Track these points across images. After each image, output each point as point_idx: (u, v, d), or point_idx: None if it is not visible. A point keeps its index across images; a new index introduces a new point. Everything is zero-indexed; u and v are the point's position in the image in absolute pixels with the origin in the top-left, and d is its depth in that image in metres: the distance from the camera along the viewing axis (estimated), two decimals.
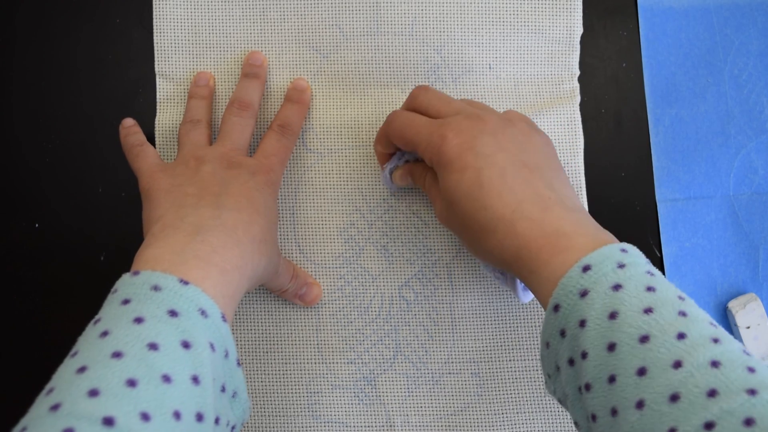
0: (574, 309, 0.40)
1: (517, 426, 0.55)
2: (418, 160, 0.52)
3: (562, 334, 0.41)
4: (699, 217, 0.58)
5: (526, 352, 0.56)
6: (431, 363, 0.56)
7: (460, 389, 0.56)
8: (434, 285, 0.56)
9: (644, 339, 0.37)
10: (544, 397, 0.56)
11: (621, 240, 0.44)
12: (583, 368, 0.39)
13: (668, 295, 0.39)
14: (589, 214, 0.46)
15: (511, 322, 0.56)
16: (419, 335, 0.56)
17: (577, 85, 0.57)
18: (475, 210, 0.45)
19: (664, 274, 0.57)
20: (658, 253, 0.58)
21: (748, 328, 0.56)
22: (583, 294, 0.40)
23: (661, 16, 0.59)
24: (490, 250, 0.45)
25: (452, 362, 0.56)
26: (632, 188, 0.58)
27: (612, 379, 0.37)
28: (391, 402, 0.56)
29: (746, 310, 0.56)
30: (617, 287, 0.39)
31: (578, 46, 0.57)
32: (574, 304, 0.40)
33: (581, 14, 0.57)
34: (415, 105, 0.50)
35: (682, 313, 0.38)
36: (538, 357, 0.56)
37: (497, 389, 0.56)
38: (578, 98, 0.57)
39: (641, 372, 0.36)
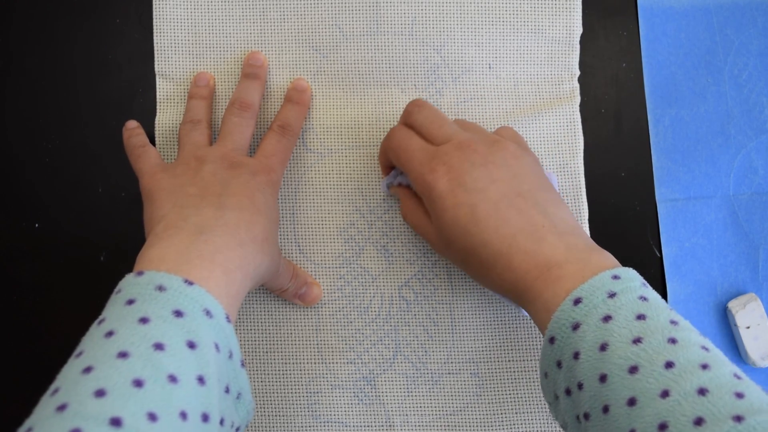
0: (568, 342, 0.41)
1: (517, 426, 0.55)
2: (411, 185, 0.52)
3: (559, 365, 0.42)
4: (699, 217, 0.58)
5: (526, 352, 0.56)
6: (431, 363, 0.56)
7: (459, 389, 0.56)
8: (434, 285, 0.56)
9: (633, 369, 0.37)
10: (543, 397, 0.56)
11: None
12: (580, 398, 0.40)
13: (659, 322, 0.39)
14: (583, 233, 0.46)
15: (511, 322, 0.56)
16: (419, 335, 0.56)
17: (577, 85, 0.57)
18: (473, 246, 0.46)
19: (663, 274, 0.57)
20: (658, 253, 0.58)
21: (748, 328, 0.56)
22: (575, 327, 0.41)
23: (661, 16, 0.59)
24: (491, 282, 0.46)
25: (452, 362, 0.56)
26: (632, 188, 0.58)
27: (606, 410, 0.38)
28: (390, 402, 0.56)
29: (746, 310, 0.56)
30: (607, 318, 0.40)
31: (578, 46, 0.57)
32: (568, 337, 0.41)
33: (581, 14, 0.57)
34: (409, 122, 0.50)
35: (672, 340, 0.38)
36: (537, 357, 0.56)
37: (496, 389, 0.56)
38: (578, 98, 0.57)
39: (631, 402, 0.37)
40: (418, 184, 0.48)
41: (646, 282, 0.43)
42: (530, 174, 0.48)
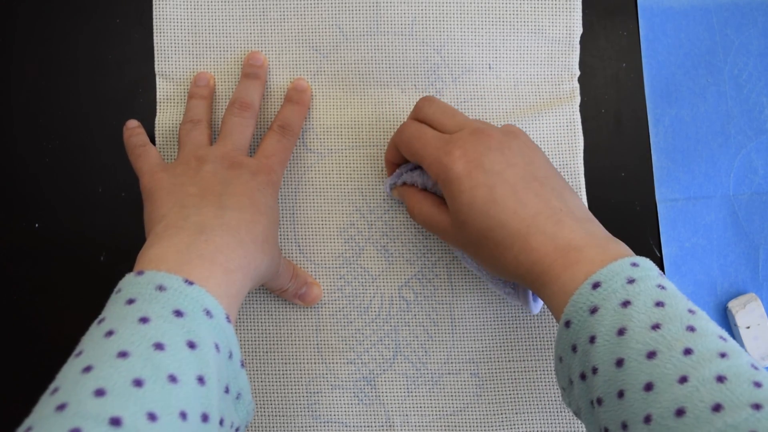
0: (585, 325, 0.41)
1: (517, 426, 0.55)
2: (415, 182, 0.52)
3: (574, 349, 0.42)
4: (699, 217, 0.58)
5: (526, 352, 0.56)
6: (431, 363, 0.56)
7: (459, 389, 0.56)
8: (434, 285, 0.56)
9: (651, 355, 0.37)
10: (544, 397, 0.56)
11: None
12: (594, 383, 0.40)
13: (677, 310, 0.39)
14: (598, 222, 0.46)
15: (511, 322, 0.56)
16: (419, 335, 0.56)
17: (577, 85, 0.57)
18: (490, 228, 0.45)
19: (663, 274, 0.57)
20: (658, 253, 0.58)
21: (748, 328, 0.56)
22: (593, 311, 0.40)
23: (661, 16, 0.59)
24: (505, 265, 0.46)
25: (452, 362, 0.56)
26: (632, 188, 0.58)
27: (621, 394, 0.38)
28: (390, 402, 0.56)
29: (746, 310, 0.56)
30: (626, 303, 0.40)
31: (578, 46, 0.57)
32: (585, 321, 0.41)
33: (581, 14, 0.57)
34: (420, 117, 0.51)
35: (690, 328, 0.38)
36: (537, 357, 0.56)
37: (496, 389, 0.56)
38: (578, 99, 0.57)
39: (648, 387, 0.37)
40: (433, 168, 0.47)
41: (662, 272, 0.43)
42: (545, 162, 0.48)
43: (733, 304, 0.57)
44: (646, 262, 0.42)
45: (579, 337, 0.41)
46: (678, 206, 0.58)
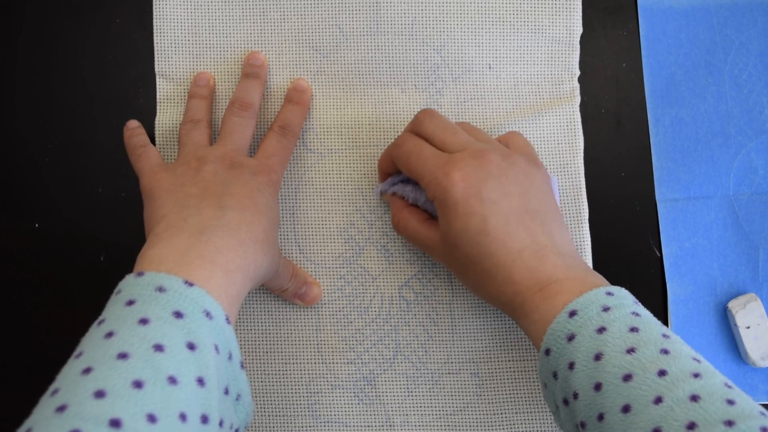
0: (563, 352, 0.42)
1: (517, 426, 0.55)
2: (405, 196, 0.52)
3: (555, 376, 0.43)
4: (699, 217, 0.58)
5: (526, 352, 0.56)
6: (431, 363, 0.56)
7: (459, 389, 0.56)
8: (434, 285, 0.56)
9: (627, 378, 0.39)
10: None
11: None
12: (576, 408, 0.41)
13: (651, 334, 0.41)
14: (580, 257, 0.48)
15: (511, 322, 0.56)
16: (419, 335, 0.56)
17: (577, 85, 0.57)
18: (478, 256, 0.46)
19: (663, 274, 0.57)
20: (658, 253, 0.58)
21: (748, 328, 0.56)
22: (571, 338, 0.42)
23: (661, 16, 0.59)
24: (487, 291, 0.47)
25: (452, 362, 0.56)
26: (632, 188, 0.58)
27: (601, 418, 0.39)
28: (390, 402, 0.56)
29: (746, 310, 0.56)
30: (602, 330, 0.41)
31: (578, 46, 0.57)
32: (563, 348, 0.42)
33: (581, 14, 0.57)
34: (419, 130, 0.50)
35: (664, 351, 0.39)
36: (537, 357, 0.56)
37: (496, 389, 0.56)
38: (578, 98, 0.57)
39: (626, 409, 0.38)
40: (431, 188, 0.48)
41: (637, 301, 0.44)
42: (539, 193, 0.48)
43: (733, 304, 0.57)
44: (620, 291, 0.44)
45: (559, 364, 0.42)
46: (678, 206, 0.58)
